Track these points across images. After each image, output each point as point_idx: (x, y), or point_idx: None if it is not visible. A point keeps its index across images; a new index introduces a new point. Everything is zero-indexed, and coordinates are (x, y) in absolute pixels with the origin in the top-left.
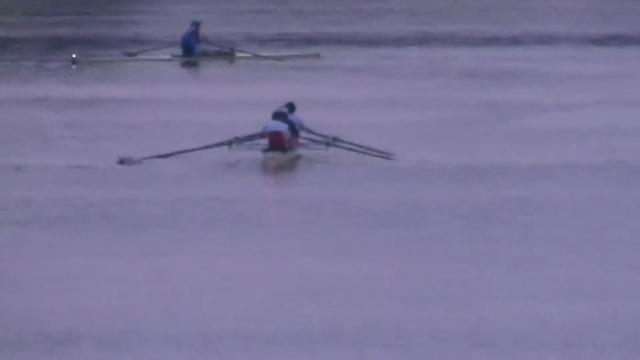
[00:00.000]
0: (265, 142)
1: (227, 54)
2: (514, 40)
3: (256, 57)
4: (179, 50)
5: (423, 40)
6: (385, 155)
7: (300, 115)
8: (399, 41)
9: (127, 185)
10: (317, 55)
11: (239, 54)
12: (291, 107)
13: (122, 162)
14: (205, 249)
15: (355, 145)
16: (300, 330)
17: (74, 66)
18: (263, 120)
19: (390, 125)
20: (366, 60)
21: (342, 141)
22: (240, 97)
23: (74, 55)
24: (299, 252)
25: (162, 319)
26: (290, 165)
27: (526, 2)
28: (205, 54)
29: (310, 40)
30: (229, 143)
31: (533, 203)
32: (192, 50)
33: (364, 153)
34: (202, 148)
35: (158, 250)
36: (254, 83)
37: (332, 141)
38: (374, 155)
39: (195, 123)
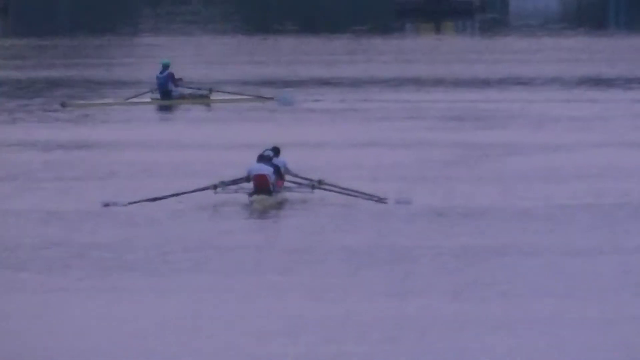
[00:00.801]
0: (250, 185)
1: (203, 96)
2: (496, 82)
3: (232, 98)
4: (157, 94)
5: (404, 83)
6: (375, 198)
7: (285, 158)
8: (380, 84)
9: (111, 228)
10: (271, 99)
11: (215, 96)
12: (276, 150)
13: (106, 205)
14: (187, 291)
15: (341, 187)
16: None
17: (63, 109)
18: (245, 162)
19: (373, 166)
20: (347, 103)
21: (327, 184)
22: (221, 140)
23: (64, 100)
24: (280, 293)
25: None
26: (275, 208)
27: (507, 43)
28: (183, 97)
29: (286, 82)
30: (215, 187)
31: (513, 246)
32: (170, 93)
33: (350, 195)
34: (187, 192)
35: (139, 291)
36: (234, 125)
37: (317, 184)
38: (362, 198)
39: (179, 166)
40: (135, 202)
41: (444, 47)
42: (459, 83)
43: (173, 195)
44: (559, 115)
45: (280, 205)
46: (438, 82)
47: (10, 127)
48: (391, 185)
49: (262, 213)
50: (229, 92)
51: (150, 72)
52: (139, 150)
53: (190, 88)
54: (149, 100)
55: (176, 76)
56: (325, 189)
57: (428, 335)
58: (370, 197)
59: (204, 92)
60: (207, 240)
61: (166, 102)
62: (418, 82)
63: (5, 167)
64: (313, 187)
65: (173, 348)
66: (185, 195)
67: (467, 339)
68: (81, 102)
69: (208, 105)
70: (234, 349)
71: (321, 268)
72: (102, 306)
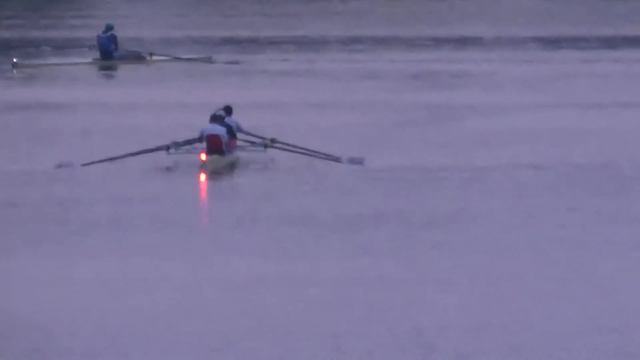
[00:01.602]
0: (203, 145)
1: (141, 57)
2: (452, 43)
3: (171, 59)
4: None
5: (360, 43)
6: (328, 157)
7: (237, 118)
8: (335, 44)
9: (63, 188)
10: (209, 59)
11: (155, 57)
12: (228, 110)
13: (59, 166)
14: (138, 251)
15: (293, 146)
16: (216, 327)
17: (14, 70)
18: (196, 123)
19: (327, 127)
20: (301, 63)
21: (280, 142)
22: (169, 100)
23: (14, 60)
24: (229, 253)
25: (83, 319)
26: (228, 168)
27: (464, 4)
28: (122, 58)
29: (238, 43)
30: (167, 148)
31: (466, 210)
32: (111, 54)
33: (302, 154)
34: (140, 153)
35: (93, 252)
36: (180, 86)
37: (269, 143)
38: (315, 157)
39: (129, 127)
40: (88, 164)
41: (400, 8)
42: (414, 44)
43: (126, 155)
44: (515, 76)
45: (232, 164)
46: (394, 43)
47: None
48: (344, 146)
49: (215, 173)
50: (167, 55)
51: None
52: (87, 112)
53: (131, 51)
54: (90, 60)
55: (119, 39)
56: (278, 148)
57: (372, 295)
58: (324, 156)
59: (144, 55)
60: (159, 201)
61: (107, 63)
62: (373, 43)
63: None
64: (266, 145)
65: (123, 307)
66: (138, 155)
67: (411, 298)
68: (31, 62)
69: (148, 66)
70: (183, 309)
71: (270, 229)
72: (55, 266)
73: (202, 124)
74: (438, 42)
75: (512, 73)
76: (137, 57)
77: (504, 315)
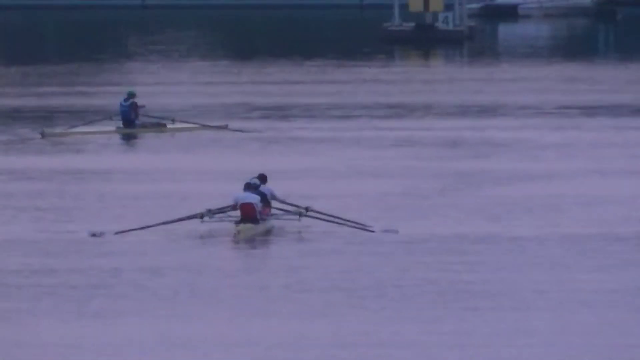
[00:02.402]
0: (237, 213)
1: (161, 125)
2: (484, 111)
3: (191, 127)
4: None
5: (392, 111)
6: (362, 227)
7: (271, 186)
8: (367, 112)
9: (97, 257)
10: (225, 127)
11: (172, 125)
12: (263, 178)
13: (93, 235)
14: (172, 318)
15: (328, 215)
16: None
17: (43, 139)
18: (230, 190)
19: (361, 195)
20: (334, 131)
21: (314, 211)
22: (201, 169)
23: (43, 129)
24: (261, 321)
25: None
26: (261, 237)
27: (496, 71)
28: (144, 126)
29: (269, 111)
30: (201, 216)
31: (506, 278)
32: (133, 122)
33: (337, 223)
34: (174, 221)
35: (125, 318)
36: (210, 154)
37: (304, 211)
38: (349, 226)
39: (162, 195)
40: (122, 232)
41: (432, 75)
42: (447, 111)
43: (160, 224)
44: (547, 144)
45: (266, 233)
46: (426, 111)
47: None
48: (378, 214)
49: (248, 242)
50: (188, 122)
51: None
52: (116, 179)
53: (153, 117)
54: (113, 129)
55: (139, 104)
56: (312, 217)
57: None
58: (357, 225)
59: (164, 122)
60: (193, 269)
61: (129, 131)
62: (406, 110)
63: None
64: (300, 214)
65: None
66: (172, 224)
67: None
68: (58, 131)
69: (167, 133)
70: None
71: (304, 298)
72: (88, 333)
73: (235, 191)
74: (473, 109)
75: (546, 140)
76: (157, 125)
77: None
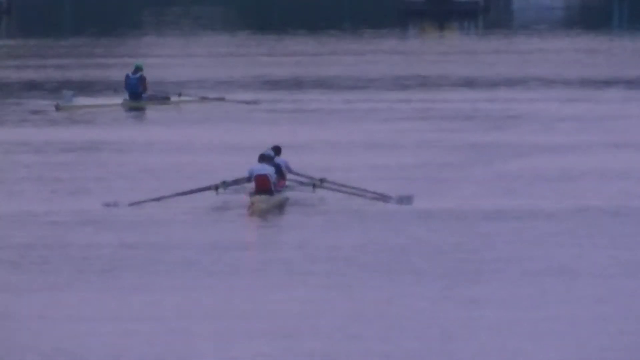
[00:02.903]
0: (251, 185)
1: (166, 98)
2: (500, 83)
3: (199, 99)
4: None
5: (408, 83)
6: (377, 197)
7: (286, 158)
8: (383, 84)
9: (113, 229)
10: (222, 99)
11: (176, 98)
12: (277, 150)
13: (107, 205)
14: (184, 290)
15: (342, 186)
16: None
17: (57, 112)
18: (245, 162)
19: (377, 167)
20: (350, 103)
21: (329, 182)
22: (214, 140)
23: (57, 102)
24: (276, 291)
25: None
26: (276, 208)
27: (511, 44)
28: (150, 99)
29: (284, 83)
30: (216, 187)
31: (521, 251)
32: (140, 95)
33: (353, 194)
34: (189, 192)
35: (139, 291)
36: (220, 126)
37: (319, 183)
38: (364, 197)
39: (175, 167)
40: (136, 203)
41: (447, 48)
42: (463, 84)
43: (175, 195)
44: (563, 116)
45: (281, 205)
46: (442, 83)
47: (5, 129)
48: (393, 186)
49: (263, 213)
50: (194, 96)
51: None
52: (131, 152)
53: (158, 90)
54: (121, 101)
55: (147, 81)
56: (327, 188)
57: (415, 331)
58: (373, 195)
59: (170, 96)
60: (207, 241)
61: (136, 104)
62: (422, 83)
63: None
64: (314, 185)
65: (166, 346)
66: (187, 195)
67: (454, 340)
68: (72, 104)
69: (174, 107)
70: (229, 347)
71: (317, 270)
72: (101, 305)
73: (250, 163)
74: (488, 82)
75: (562, 113)
76: (164, 98)
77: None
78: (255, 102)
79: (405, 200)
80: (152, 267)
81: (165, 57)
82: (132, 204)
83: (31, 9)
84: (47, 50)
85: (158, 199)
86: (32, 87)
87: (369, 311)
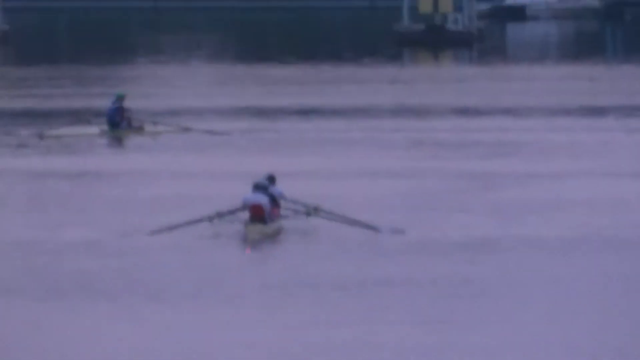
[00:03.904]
0: (246, 214)
1: (141, 128)
2: (494, 111)
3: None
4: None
5: (403, 111)
6: (369, 227)
7: (280, 187)
8: (378, 112)
9: (108, 257)
10: (189, 129)
11: (152, 127)
12: (272, 179)
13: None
14: (174, 322)
15: (337, 215)
16: None
17: (41, 140)
18: (238, 191)
19: (371, 196)
20: (344, 132)
21: (323, 211)
22: (202, 169)
23: (42, 131)
24: (268, 322)
25: None
26: (270, 237)
27: (506, 72)
28: (127, 128)
29: (277, 111)
30: (210, 218)
31: (505, 280)
32: (118, 125)
33: (346, 224)
34: (183, 225)
35: (134, 320)
36: (208, 155)
37: (313, 211)
38: (358, 227)
39: (167, 197)
40: (131, 234)
41: (442, 76)
42: (457, 112)
43: (170, 227)
44: (557, 144)
45: (275, 234)
46: (436, 111)
47: None
48: (387, 215)
49: (257, 242)
50: (170, 125)
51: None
52: (118, 182)
53: (135, 119)
54: (98, 131)
55: (125, 107)
56: (321, 216)
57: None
58: (365, 225)
59: (144, 126)
60: (202, 271)
61: (114, 133)
62: (416, 111)
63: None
64: (308, 214)
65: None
66: (181, 227)
67: None
68: (55, 132)
69: (148, 136)
70: None
71: (307, 299)
72: (102, 335)
73: (243, 193)
74: (482, 110)
75: (555, 141)
76: (139, 128)
77: None
78: (226, 133)
79: (397, 231)
80: (143, 296)
81: (156, 86)
82: (124, 237)
83: (28, 37)
84: (38, 79)
85: (154, 232)
86: (15, 116)
87: (358, 343)
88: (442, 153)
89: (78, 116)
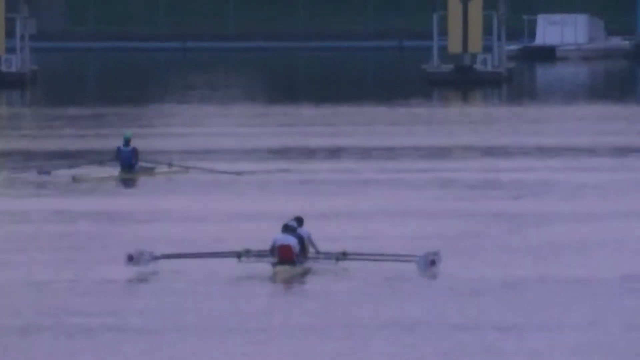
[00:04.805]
0: (274, 255)
1: (151, 169)
2: (524, 151)
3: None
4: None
5: (433, 152)
6: (405, 259)
7: (308, 229)
8: (408, 152)
9: (129, 294)
10: (169, 165)
11: (165, 169)
12: (300, 220)
13: (130, 259)
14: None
15: (366, 255)
16: None
17: (74, 183)
18: (266, 234)
19: (401, 237)
20: (372, 173)
21: (351, 254)
22: (231, 210)
23: (74, 174)
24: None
25: None
26: (298, 279)
27: (535, 112)
28: (140, 170)
29: (306, 152)
30: (239, 255)
31: (543, 323)
32: (133, 167)
33: (377, 260)
34: (212, 255)
35: (152, 356)
36: (229, 196)
37: (341, 256)
38: (390, 261)
39: (190, 239)
40: (159, 258)
41: (471, 116)
42: (485, 152)
43: (197, 255)
44: (589, 185)
45: (304, 275)
46: (466, 151)
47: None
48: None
49: (285, 284)
50: (183, 166)
51: (156, 142)
52: (137, 222)
53: (149, 162)
54: (116, 174)
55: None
56: (350, 259)
57: None
58: (398, 258)
59: (154, 167)
60: (227, 310)
61: (129, 175)
62: (446, 151)
63: (15, 238)
64: (337, 259)
65: None
66: (209, 258)
67: None
68: (90, 176)
69: (156, 177)
70: None
71: (342, 339)
72: None
73: (271, 234)
74: (512, 150)
75: (584, 181)
76: (150, 169)
77: None
78: (239, 173)
79: (431, 258)
80: (169, 333)
81: (183, 126)
82: (155, 258)
83: (57, 78)
84: (61, 119)
85: (180, 257)
86: (36, 156)
87: None
88: (471, 194)
89: (90, 158)
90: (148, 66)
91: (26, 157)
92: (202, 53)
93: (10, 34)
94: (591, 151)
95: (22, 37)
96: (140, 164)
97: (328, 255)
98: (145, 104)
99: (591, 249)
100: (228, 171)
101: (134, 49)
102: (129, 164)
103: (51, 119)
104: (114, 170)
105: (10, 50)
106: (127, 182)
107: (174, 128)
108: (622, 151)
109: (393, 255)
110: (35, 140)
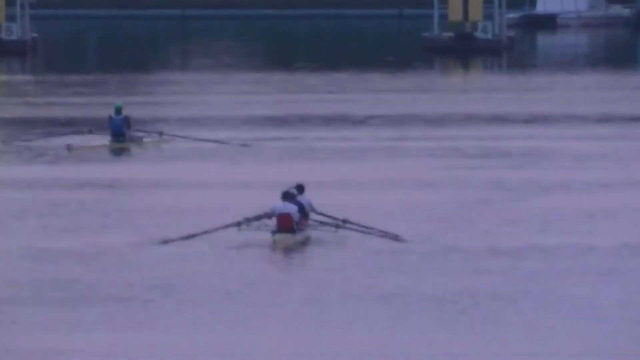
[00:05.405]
0: (274, 222)
1: (140, 139)
2: (524, 120)
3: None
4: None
5: (432, 120)
6: (394, 237)
7: (309, 197)
8: (407, 121)
9: (135, 268)
10: (160, 134)
11: (157, 139)
12: (300, 188)
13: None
14: (204, 328)
15: (366, 227)
16: None
17: (69, 152)
18: (266, 201)
19: (399, 206)
20: (373, 141)
21: (351, 223)
22: (233, 179)
23: (69, 143)
24: (295, 330)
25: None
26: (298, 247)
27: (535, 81)
28: (131, 140)
29: (308, 119)
30: (238, 224)
31: (540, 290)
32: (124, 135)
33: (374, 235)
34: (211, 231)
35: (163, 329)
36: (227, 164)
37: (341, 224)
38: (385, 238)
39: (194, 205)
40: (166, 241)
41: (471, 85)
42: (486, 121)
43: (200, 233)
44: (588, 154)
45: (303, 243)
46: (465, 120)
47: (13, 167)
48: (417, 224)
49: (284, 252)
50: (178, 136)
51: (159, 111)
52: (145, 191)
53: (141, 131)
54: (106, 143)
55: (131, 120)
56: (349, 229)
57: None
58: (393, 237)
59: (143, 137)
60: (230, 280)
61: (120, 145)
62: (446, 120)
63: (13, 206)
64: (337, 226)
65: None
66: (209, 233)
67: None
68: (83, 145)
69: (145, 147)
70: None
71: (337, 308)
72: (127, 343)
73: (271, 202)
74: (512, 119)
75: (586, 150)
76: (139, 139)
77: None
78: (226, 142)
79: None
80: (177, 306)
81: (183, 94)
82: (162, 242)
83: (57, 45)
84: (60, 87)
85: (186, 237)
86: (36, 125)
87: (384, 351)
88: (471, 162)
89: (79, 127)
90: (148, 34)
91: (25, 125)
92: (202, 21)
93: (10, 2)
94: (591, 119)
95: (22, 5)
96: (131, 133)
97: (329, 221)
98: (145, 72)
99: (594, 217)
100: (218, 140)
101: (133, 16)
102: (120, 133)
103: (50, 87)
104: (106, 139)
105: (11, 18)
106: (120, 151)
107: (173, 96)
108: (621, 119)
109: (389, 233)
110: (35, 108)
